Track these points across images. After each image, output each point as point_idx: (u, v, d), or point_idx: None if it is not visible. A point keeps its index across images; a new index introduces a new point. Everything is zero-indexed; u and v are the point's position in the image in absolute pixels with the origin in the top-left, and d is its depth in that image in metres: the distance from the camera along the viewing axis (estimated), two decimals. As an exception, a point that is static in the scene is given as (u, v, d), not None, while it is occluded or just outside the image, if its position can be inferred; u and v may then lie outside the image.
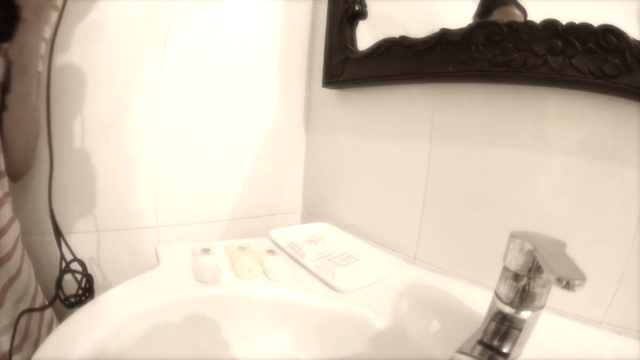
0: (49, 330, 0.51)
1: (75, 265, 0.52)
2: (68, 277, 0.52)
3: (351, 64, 0.63)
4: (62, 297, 0.51)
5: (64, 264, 0.51)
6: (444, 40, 0.47)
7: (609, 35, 0.34)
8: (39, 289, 0.51)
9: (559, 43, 0.37)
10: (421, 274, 0.52)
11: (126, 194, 0.61)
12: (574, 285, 0.22)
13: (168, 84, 0.61)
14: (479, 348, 0.31)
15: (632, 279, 0.36)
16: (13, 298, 0.44)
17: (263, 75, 0.72)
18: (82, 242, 0.58)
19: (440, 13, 0.52)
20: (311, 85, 0.80)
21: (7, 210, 0.44)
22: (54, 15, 0.46)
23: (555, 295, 0.29)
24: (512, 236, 0.30)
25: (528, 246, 0.28)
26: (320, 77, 0.71)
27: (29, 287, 0.47)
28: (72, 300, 0.51)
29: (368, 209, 0.65)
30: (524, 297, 0.29)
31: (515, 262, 0.29)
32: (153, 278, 0.45)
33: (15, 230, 0.46)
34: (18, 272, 0.45)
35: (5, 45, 0.41)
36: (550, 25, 0.37)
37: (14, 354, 0.42)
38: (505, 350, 0.30)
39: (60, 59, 0.52)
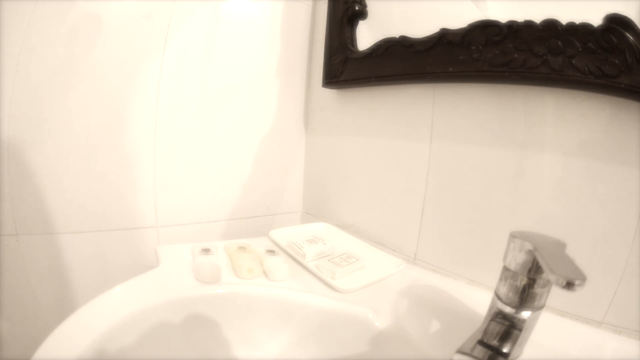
0: None
1: None
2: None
3: (351, 64, 0.63)
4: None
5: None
6: (444, 40, 0.47)
7: (609, 35, 0.34)
8: None
9: (559, 43, 0.37)
10: (421, 274, 0.52)
11: (126, 194, 0.61)
12: (574, 285, 0.22)
13: (168, 83, 0.61)
14: (479, 348, 0.31)
15: (632, 279, 0.36)
16: None
17: (263, 75, 0.72)
18: (82, 242, 0.58)
19: (440, 13, 0.52)
20: (311, 85, 0.80)
21: None
22: None
23: (555, 295, 0.29)
24: (512, 236, 0.30)
25: (528, 246, 0.28)
26: (320, 77, 0.71)
27: None
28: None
29: (368, 208, 0.65)
30: (524, 297, 0.29)
31: (515, 262, 0.29)
32: (153, 278, 0.45)
33: None
34: None
35: None
36: (550, 25, 0.37)
37: None
38: (505, 350, 0.30)
39: (59, 58, 0.52)
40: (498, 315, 0.31)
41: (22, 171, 0.52)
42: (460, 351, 0.31)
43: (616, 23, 0.33)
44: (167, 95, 0.61)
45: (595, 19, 0.35)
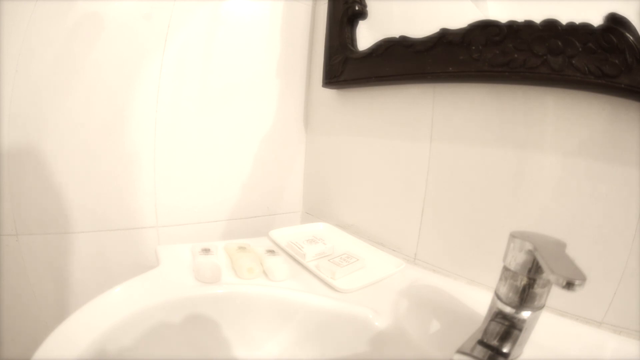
0: None
1: None
2: None
3: (351, 64, 0.63)
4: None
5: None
6: (444, 40, 0.47)
7: (609, 35, 0.34)
8: None
9: (559, 43, 0.37)
10: (421, 274, 0.52)
11: (126, 194, 0.61)
12: (574, 285, 0.22)
13: (168, 83, 0.61)
14: (479, 348, 0.31)
15: (632, 279, 0.36)
16: None
17: (263, 75, 0.72)
18: (82, 242, 0.58)
19: (440, 13, 0.52)
20: (311, 85, 0.80)
21: None
22: None
23: (555, 295, 0.29)
24: (512, 236, 0.30)
25: (528, 246, 0.28)
26: (320, 77, 0.71)
27: None
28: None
29: (368, 208, 0.65)
30: (524, 297, 0.29)
31: (515, 262, 0.29)
32: (153, 278, 0.45)
33: None
34: None
35: None
36: (550, 25, 0.37)
37: None
38: (505, 350, 0.30)
39: (60, 59, 0.52)
40: (498, 315, 0.31)
41: (22, 171, 0.52)
42: (460, 351, 0.31)
43: (616, 23, 0.33)
44: (167, 95, 0.61)
45: (595, 19, 0.35)
